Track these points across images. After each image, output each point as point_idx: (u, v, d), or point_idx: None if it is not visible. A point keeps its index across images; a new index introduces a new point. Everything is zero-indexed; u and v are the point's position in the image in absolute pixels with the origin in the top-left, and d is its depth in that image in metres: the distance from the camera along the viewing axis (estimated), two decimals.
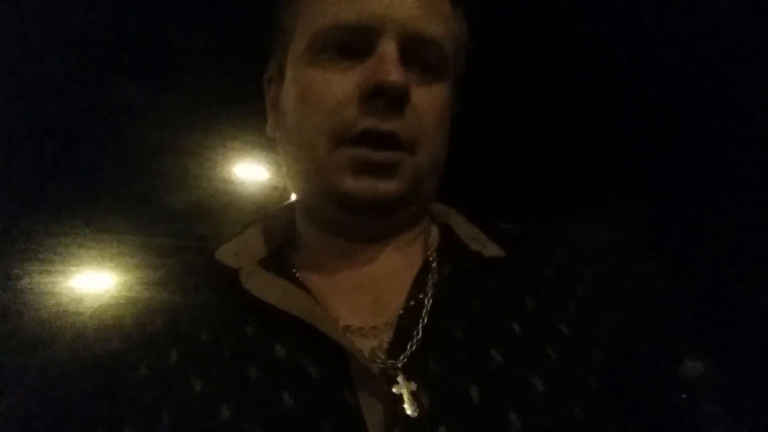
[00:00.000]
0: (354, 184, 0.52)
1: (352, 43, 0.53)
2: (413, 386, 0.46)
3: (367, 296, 0.55)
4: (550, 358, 0.49)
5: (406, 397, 0.45)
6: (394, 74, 0.50)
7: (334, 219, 0.57)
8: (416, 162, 0.54)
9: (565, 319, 0.52)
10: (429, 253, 0.58)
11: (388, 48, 0.52)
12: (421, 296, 0.52)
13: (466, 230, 0.60)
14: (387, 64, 0.51)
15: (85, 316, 0.57)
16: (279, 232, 0.62)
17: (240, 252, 0.57)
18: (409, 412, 0.44)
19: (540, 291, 0.55)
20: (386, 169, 0.52)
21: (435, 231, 0.62)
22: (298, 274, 0.57)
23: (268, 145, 0.64)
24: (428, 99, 0.55)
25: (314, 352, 0.48)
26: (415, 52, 0.54)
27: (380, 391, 0.45)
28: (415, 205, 0.58)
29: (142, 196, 2.70)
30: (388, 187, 0.53)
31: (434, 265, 0.56)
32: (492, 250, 0.57)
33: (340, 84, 0.53)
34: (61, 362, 0.55)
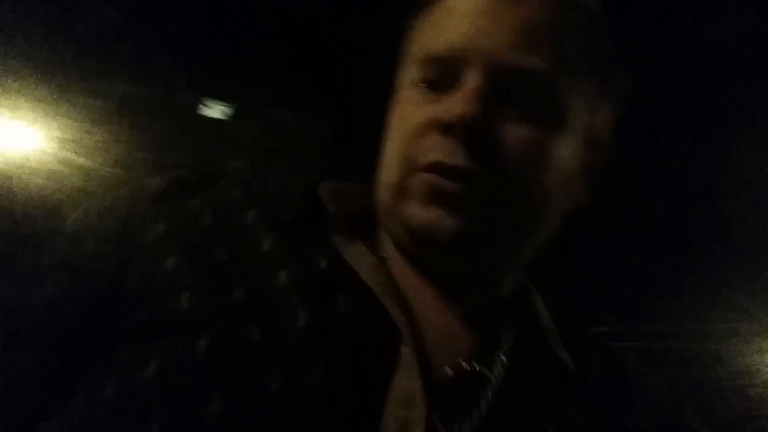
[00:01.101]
0: (421, 215, 0.51)
1: (441, 76, 0.53)
2: None
3: (434, 324, 0.53)
4: None
5: None
6: (461, 109, 0.49)
7: (401, 241, 0.56)
8: (489, 199, 0.50)
9: None
10: (505, 327, 0.57)
11: (470, 81, 0.50)
12: (485, 367, 0.53)
13: (545, 321, 0.60)
14: (461, 98, 0.50)
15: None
16: (355, 205, 0.59)
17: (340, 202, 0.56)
18: None
19: (589, 409, 0.56)
20: (455, 200, 0.50)
21: (514, 308, 0.61)
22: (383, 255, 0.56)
23: None
24: (522, 137, 0.51)
25: (374, 324, 0.49)
26: (509, 85, 0.51)
27: (416, 404, 0.46)
28: (485, 257, 0.55)
29: None
30: (452, 223, 0.50)
31: (505, 339, 0.56)
32: (563, 354, 0.57)
33: (422, 115, 0.52)
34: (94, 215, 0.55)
